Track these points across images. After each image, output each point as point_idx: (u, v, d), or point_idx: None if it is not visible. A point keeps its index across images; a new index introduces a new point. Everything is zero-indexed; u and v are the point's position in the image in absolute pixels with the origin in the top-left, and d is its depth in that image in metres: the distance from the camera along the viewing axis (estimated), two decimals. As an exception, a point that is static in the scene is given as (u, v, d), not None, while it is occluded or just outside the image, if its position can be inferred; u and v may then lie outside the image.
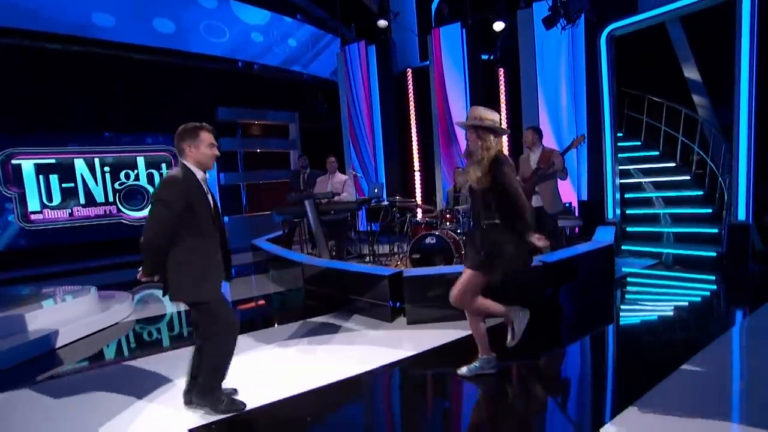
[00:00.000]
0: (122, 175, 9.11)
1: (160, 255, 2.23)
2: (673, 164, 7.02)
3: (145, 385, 2.88)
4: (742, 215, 5.19)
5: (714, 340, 3.16)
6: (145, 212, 9.36)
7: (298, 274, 5.17)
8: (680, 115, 6.89)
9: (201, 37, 9.00)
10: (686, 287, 4.90)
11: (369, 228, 6.63)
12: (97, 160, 8.90)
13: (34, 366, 3.39)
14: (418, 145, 8.60)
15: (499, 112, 2.80)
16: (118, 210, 9.11)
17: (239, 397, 2.53)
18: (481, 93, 7.38)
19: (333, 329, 3.84)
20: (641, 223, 6.64)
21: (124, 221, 9.15)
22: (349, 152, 9.02)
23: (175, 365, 3.08)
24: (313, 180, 6.73)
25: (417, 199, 8.16)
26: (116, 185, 9.06)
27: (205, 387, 2.38)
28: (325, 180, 6.46)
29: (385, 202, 6.28)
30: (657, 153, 7.33)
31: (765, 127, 5.17)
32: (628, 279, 5.12)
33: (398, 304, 4.00)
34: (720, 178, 5.92)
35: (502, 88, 7.39)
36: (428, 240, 5.16)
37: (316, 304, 4.61)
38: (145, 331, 4.30)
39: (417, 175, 8.53)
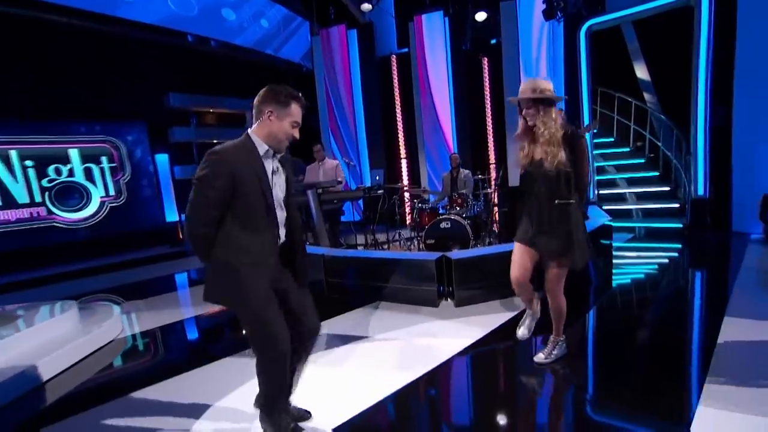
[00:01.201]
0: (51, 170, 7.68)
1: (207, 244, 1.81)
2: (628, 149, 7.89)
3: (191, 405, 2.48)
4: (700, 191, 6.01)
5: (732, 292, 3.64)
6: (84, 213, 8.04)
7: (315, 267, 4.82)
8: (630, 107, 7.75)
9: (160, 6, 7.71)
10: (674, 255, 5.52)
11: (365, 216, 6.40)
12: (14, 153, 7.38)
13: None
14: (403, 132, 8.50)
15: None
16: (49, 212, 7.68)
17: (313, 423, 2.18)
18: (465, 81, 7.55)
19: (383, 320, 3.66)
20: (609, 201, 7.36)
21: (57, 224, 7.75)
22: (328, 139, 8.64)
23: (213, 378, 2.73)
24: (299, 169, 6.35)
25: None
26: (44, 182, 7.62)
27: (263, 410, 2.04)
28: (316, 168, 6.15)
29: (380, 191, 6.13)
30: (612, 139, 8.17)
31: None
32: (621, 252, 5.63)
33: (441, 287, 3.96)
34: (674, 161, 6.79)
35: (486, 76, 7.63)
36: (443, 225, 5.17)
37: (344, 297, 4.36)
38: (145, 350, 3.69)
39: (404, 163, 8.44)
